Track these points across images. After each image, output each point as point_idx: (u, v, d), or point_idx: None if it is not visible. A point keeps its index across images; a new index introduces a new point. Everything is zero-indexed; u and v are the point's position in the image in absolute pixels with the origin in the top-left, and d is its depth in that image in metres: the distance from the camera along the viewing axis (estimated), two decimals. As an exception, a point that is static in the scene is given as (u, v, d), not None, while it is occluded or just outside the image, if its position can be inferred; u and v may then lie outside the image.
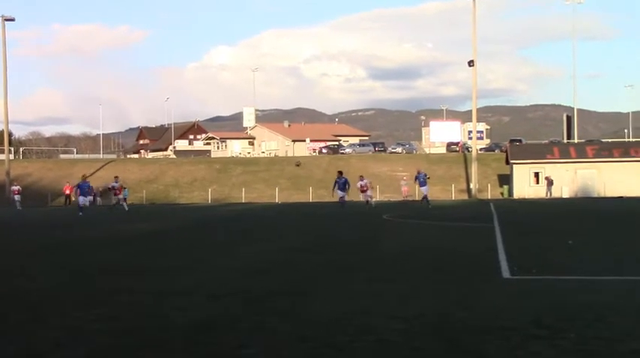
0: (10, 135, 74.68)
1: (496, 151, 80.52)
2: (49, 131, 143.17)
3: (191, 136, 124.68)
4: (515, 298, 8.19)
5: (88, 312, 7.59)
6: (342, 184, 34.62)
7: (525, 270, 10.44)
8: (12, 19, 65.93)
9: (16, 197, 53.58)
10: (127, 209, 41.34)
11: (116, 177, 42.44)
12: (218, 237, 20.43)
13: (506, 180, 65.79)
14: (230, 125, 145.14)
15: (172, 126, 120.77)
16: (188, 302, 8.63)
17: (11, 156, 74.20)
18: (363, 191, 37.63)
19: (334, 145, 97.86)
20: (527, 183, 61.97)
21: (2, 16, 63.88)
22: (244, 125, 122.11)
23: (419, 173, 36.13)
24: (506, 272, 10.34)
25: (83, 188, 34.85)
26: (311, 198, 63.18)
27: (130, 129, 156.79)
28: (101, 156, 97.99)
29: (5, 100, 66.36)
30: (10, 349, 6.04)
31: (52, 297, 9.29)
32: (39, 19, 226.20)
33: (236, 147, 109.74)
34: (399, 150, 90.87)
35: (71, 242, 18.59)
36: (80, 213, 31.92)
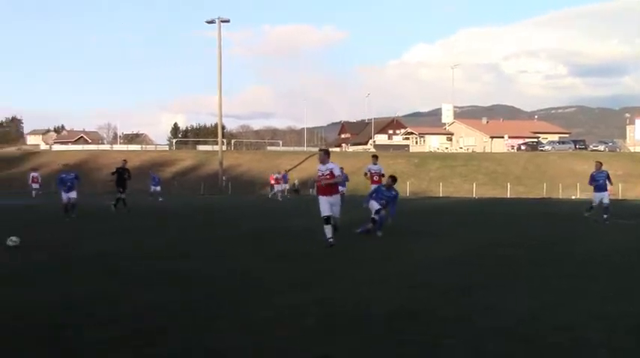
0: (222, 128, 79.02)
1: None
2: (257, 124, 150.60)
3: (390, 131, 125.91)
4: None
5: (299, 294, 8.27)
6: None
7: None
8: (227, 21, 67.82)
9: (34, 185, 48.66)
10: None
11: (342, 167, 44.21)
12: (416, 228, 20.35)
13: None
14: (428, 121, 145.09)
15: (372, 121, 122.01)
16: (386, 290, 9.01)
17: (224, 148, 76.73)
18: None
19: (533, 142, 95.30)
20: None
21: (219, 18, 66.20)
22: (442, 121, 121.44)
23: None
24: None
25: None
26: (508, 194, 62.26)
27: (333, 123, 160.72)
28: (304, 148, 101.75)
29: (219, 96, 69.68)
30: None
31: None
32: (251, 20, 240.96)
33: (434, 143, 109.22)
34: (601, 148, 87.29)
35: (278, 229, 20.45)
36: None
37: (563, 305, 7.88)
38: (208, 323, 6.94)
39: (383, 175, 22.94)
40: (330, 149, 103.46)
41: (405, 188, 65.96)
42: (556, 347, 5.88)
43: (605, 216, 21.59)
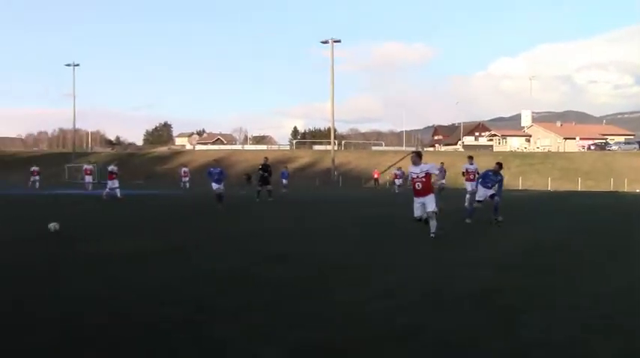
0: (334, 131, 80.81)
1: None
2: (363, 128, 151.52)
3: (476, 133, 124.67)
4: None
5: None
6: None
7: None
8: (338, 41, 68.79)
9: (88, 178, 44.84)
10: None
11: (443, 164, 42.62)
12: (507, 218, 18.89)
13: None
14: (509, 125, 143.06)
15: (461, 124, 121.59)
16: (475, 272, 8.99)
17: (335, 148, 77.48)
18: None
19: (601, 143, 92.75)
20: None
21: (332, 39, 67.83)
22: (522, 124, 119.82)
23: None
24: None
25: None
26: (579, 187, 61.55)
27: (427, 126, 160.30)
28: (403, 148, 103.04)
29: (332, 104, 71.10)
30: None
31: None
32: (358, 40, 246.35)
33: (514, 143, 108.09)
34: None
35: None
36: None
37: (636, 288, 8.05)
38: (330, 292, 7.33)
39: (479, 173, 21.96)
40: (425, 149, 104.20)
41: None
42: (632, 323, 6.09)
43: None
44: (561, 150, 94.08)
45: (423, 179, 12.24)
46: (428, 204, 12.16)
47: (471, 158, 24.18)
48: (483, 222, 16.58)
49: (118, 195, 30.18)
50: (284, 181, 43.58)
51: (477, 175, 21.80)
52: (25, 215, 20.82)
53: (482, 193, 16.84)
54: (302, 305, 6.88)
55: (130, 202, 28.23)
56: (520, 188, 61.09)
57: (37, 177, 49.18)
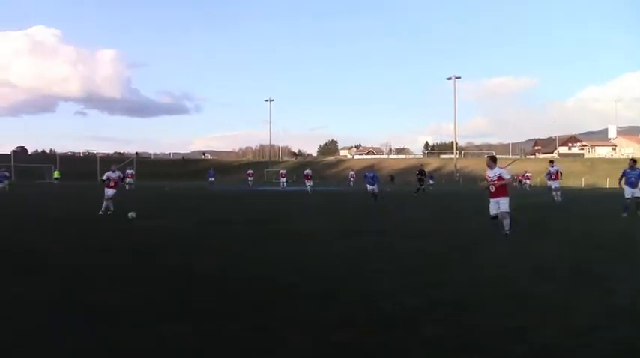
0: (456, 143, 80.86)
1: None
2: (478, 141, 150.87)
3: (569, 144, 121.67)
4: None
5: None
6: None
7: None
8: (459, 77, 69.97)
9: (282, 179, 43.63)
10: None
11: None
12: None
13: None
14: (598, 137, 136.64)
15: (557, 137, 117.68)
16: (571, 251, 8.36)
17: (457, 156, 79.36)
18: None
19: None
20: None
21: (454, 76, 69.22)
22: (608, 136, 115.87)
23: None
24: None
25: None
26: None
27: (529, 139, 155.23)
28: (510, 156, 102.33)
29: (454, 124, 73.88)
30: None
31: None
32: (475, 75, 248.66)
33: (602, 152, 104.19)
34: None
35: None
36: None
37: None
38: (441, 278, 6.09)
39: (560, 173, 21.84)
40: (527, 156, 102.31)
41: (580, 182, 63.26)
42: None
43: None
44: None
45: (496, 181, 10.49)
46: (501, 205, 10.31)
47: (551, 162, 22.80)
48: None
49: (309, 191, 31.77)
50: (430, 181, 43.17)
51: (559, 175, 21.53)
52: (249, 204, 22.36)
53: (629, 191, 15.34)
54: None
55: (317, 195, 29.75)
56: (607, 186, 58.35)
57: (251, 178, 52.63)
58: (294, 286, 5.93)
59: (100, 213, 15.40)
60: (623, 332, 4.28)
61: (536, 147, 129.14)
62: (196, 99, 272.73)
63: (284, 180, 43.70)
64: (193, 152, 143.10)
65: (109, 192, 15.76)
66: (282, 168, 55.08)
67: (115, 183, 16.23)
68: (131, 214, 13.88)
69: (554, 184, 22.01)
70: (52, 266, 7.24)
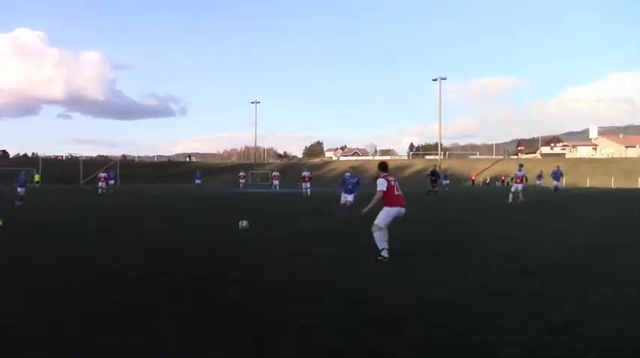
0: (441, 144, 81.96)
1: None
2: (462, 141, 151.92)
3: (552, 144, 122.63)
4: None
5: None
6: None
7: None
8: (444, 78, 69.03)
9: (275, 181, 43.51)
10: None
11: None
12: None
13: None
14: (579, 137, 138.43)
15: (540, 138, 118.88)
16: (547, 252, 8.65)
17: (441, 157, 79.15)
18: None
19: None
20: None
21: (439, 77, 68.23)
22: (589, 137, 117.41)
23: None
24: None
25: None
26: (639, 185, 60.04)
27: (513, 139, 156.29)
28: (493, 156, 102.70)
29: (439, 125, 72.88)
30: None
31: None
32: (460, 76, 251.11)
33: (583, 152, 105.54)
34: None
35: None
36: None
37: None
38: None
39: (526, 178, 22.64)
40: (510, 157, 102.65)
41: (563, 181, 64.55)
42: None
43: None
44: (623, 156, 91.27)
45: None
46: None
47: (520, 165, 23.16)
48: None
49: (308, 193, 29.34)
50: (445, 181, 40.56)
51: (525, 180, 22.34)
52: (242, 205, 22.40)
53: None
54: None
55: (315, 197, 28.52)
56: (587, 186, 59.42)
57: (243, 180, 52.55)
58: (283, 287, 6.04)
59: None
60: (600, 330, 4.40)
61: (519, 148, 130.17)
62: (182, 101, 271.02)
63: (277, 182, 43.25)
64: (178, 154, 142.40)
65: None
66: (276, 170, 54.83)
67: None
68: (243, 223, 12.28)
69: (518, 187, 22.43)
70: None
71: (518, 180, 22.40)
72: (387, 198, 8.10)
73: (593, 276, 6.65)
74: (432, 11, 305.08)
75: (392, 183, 8.21)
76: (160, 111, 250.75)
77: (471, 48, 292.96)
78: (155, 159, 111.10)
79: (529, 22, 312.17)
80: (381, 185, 8.12)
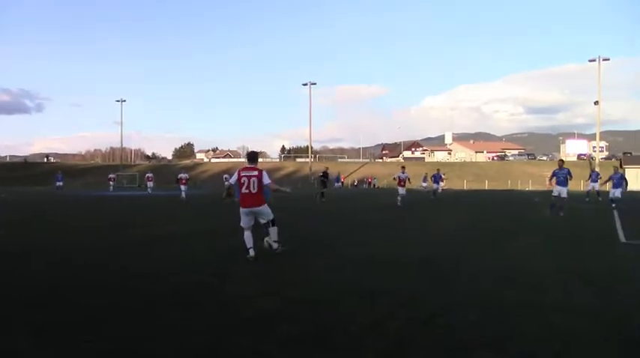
0: (311, 147, 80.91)
1: (612, 159, 73.29)
2: (332, 145, 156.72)
3: (413, 149, 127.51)
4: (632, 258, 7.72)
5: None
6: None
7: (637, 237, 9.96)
8: (314, 83, 68.65)
9: (150, 183, 40.11)
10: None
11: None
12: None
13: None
14: (436, 142, 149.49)
15: (402, 143, 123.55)
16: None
17: (312, 159, 79.99)
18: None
19: (502, 155, 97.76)
20: (635, 182, 52.18)
21: (310, 82, 68.17)
22: (445, 142, 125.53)
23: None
24: (622, 238, 9.97)
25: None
26: (486, 187, 63.65)
27: (378, 144, 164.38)
28: (360, 159, 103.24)
29: (310, 128, 72.71)
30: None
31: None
32: (329, 82, 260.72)
33: (440, 156, 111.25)
34: (544, 158, 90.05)
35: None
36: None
37: (528, 259, 7.63)
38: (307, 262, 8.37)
39: (409, 180, 22.57)
40: (375, 160, 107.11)
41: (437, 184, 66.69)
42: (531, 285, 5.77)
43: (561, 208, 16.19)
44: (473, 160, 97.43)
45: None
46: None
47: (403, 168, 23.20)
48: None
49: (184, 195, 27.29)
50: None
51: (407, 182, 22.30)
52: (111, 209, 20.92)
53: (557, 190, 16.24)
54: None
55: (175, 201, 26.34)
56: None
57: (113, 183, 49.74)
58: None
59: None
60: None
61: (384, 152, 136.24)
62: (38, 97, 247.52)
63: (151, 184, 40.49)
64: (34, 155, 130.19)
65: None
66: (146, 172, 51.68)
67: None
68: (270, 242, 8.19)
69: (401, 190, 22.59)
70: None
71: (402, 183, 22.39)
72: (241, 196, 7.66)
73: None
74: (306, 18, 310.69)
75: (242, 179, 7.57)
76: (11, 107, 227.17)
77: (340, 56, 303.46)
78: (7, 160, 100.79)
79: (390, 32, 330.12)
80: (232, 178, 7.79)
